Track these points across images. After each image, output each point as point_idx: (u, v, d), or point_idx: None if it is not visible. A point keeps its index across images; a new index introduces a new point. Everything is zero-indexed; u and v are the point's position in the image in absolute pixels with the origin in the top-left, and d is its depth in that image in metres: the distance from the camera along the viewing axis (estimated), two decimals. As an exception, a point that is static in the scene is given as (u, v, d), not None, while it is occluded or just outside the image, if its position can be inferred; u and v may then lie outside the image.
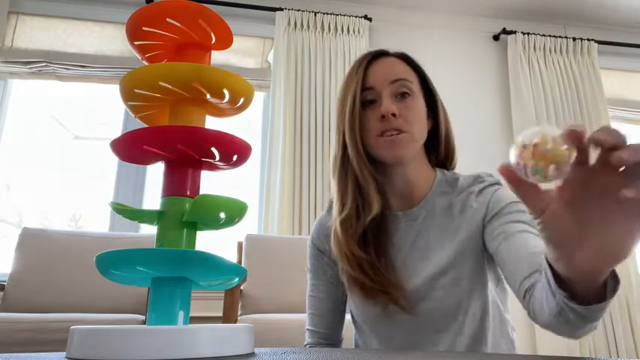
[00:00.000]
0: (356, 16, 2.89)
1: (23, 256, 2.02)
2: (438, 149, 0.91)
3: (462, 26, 3.16)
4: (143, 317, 1.72)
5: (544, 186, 0.41)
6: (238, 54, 2.85)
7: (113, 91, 2.77)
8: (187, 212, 0.52)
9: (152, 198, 2.62)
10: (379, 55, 0.88)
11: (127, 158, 0.57)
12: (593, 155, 0.38)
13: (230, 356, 0.46)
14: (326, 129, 2.65)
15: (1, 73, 2.62)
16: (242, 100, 0.58)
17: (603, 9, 3.14)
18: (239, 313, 1.94)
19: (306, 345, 0.92)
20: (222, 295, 1.99)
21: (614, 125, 0.41)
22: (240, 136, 0.55)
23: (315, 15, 2.84)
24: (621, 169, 0.37)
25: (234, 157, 0.56)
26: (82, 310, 1.86)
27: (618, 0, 3.06)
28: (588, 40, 3.14)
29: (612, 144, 0.36)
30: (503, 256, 0.73)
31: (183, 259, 0.49)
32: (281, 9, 2.81)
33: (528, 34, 3.09)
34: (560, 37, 3.12)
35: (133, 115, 0.60)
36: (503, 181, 0.43)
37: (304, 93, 2.69)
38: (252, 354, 0.50)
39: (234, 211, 0.55)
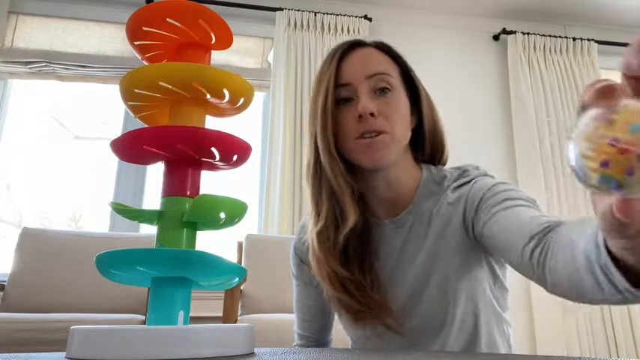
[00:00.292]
0: (356, 16, 2.88)
1: (23, 256, 2.02)
2: (425, 146, 0.82)
3: (462, 26, 3.15)
4: (143, 317, 1.72)
5: None
6: (238, 54, 2.85)
7: (113, 91, 2.77)
8: (187, 212, 0.52)
9: (152, 198, 2.62)
10: (354, 45, 0.79)
11: (127, 158, 0.57)
12: None
13: (230, 356, 0.46)
14: (326, 129, 2.65)
15: (1, 73, 2.62)
16: (242, 100, 0.58)
17: (603, 9, 3.14)
18: (239, 313, 1.95)
19: (294, 346, 0.91)
20: (222, 295, 1.99)
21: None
22: (240, 136, 0.55)
23: (315, 15, 2.84)
24: None
25: (234, 157, 0.56)
26: (82, 310, 1.86)
27: (618, 0, 3.06)
28: (588, 40, 3.14)
29: None
30: (496, 235, 0.65)
31: (183, 259, 0.49)
32: (281, 9, 2.81)
33: (528, 34, 3.09)
34: (560, 37, 3.12)
35: (133, 115, 0.60)
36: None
37: (304, 93, 2.69)
38: (252, 354, 0.50)
39: (234, 211, 0.55)
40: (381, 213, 0.80)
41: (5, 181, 2.62)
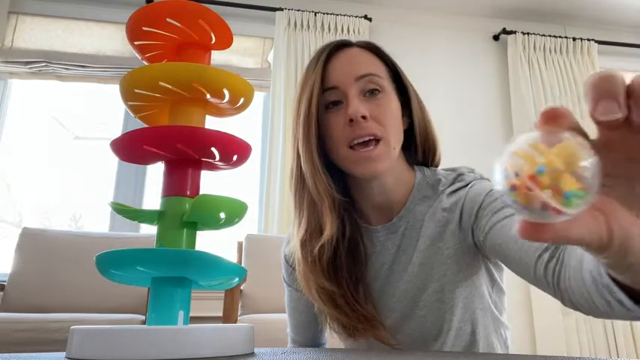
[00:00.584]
0: (356, 16, 2.88)
1: (23, 256, 2.02)
2: (417, 148, 0.79)
3: (462, 26, 3.15)
4: (143, 317, 1.72)
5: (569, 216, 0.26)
6: (238, 54, 2.85)
7: (113, 91, 2.77)
8: (187, 212, 0.52)
9: (152, 198, 2.62)
10: (340, 46, 0.75)
11: (127, 158, 0.57)
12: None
13: (230, 356, 0.46)
14: (326, 129, 2.65)
15: (1, 73, 2.62)
16: (242, 100, 0.58)
17: (603, 9, 3.13)
18: (239, 313, 1.95)
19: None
20: (222, 295, 1.99)
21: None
22: (240, 136, 0.55)
23: (315, 15, 2.84)
24: None
25: (234, 157, 0.56)
26: (82, 310, 1.86)
27: (618, 0, 3.06)
28: (588, 40, 3.14)
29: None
30: (501, 244, 0.62)
31: (183, 259, 0.49)
32: (281, 9, 2.81)
33: (528, 34, 3.09)
34: (560, 37, 3.12)
35: (133, 115, 0.60)
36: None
37: (304, 93, 2.69)
38: (252, 354, 0.50)
39: (234, 211, 0.55)
40: (373, 219, 0.78)
41: (5, 181, 2.62)
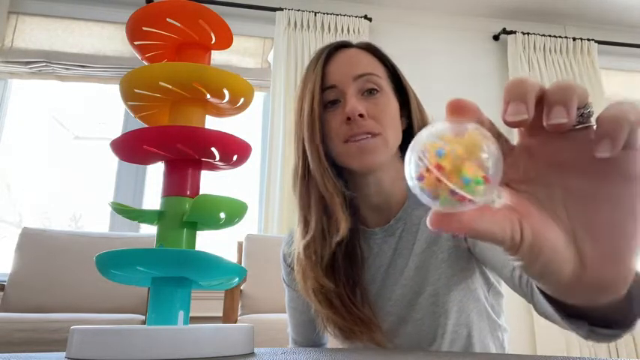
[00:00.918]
0: (356, 16, 2.88)
1: (23, 256, 2.02)
2: None
3: (462, 26, 3.15)
4: (143, 317, 1.72)
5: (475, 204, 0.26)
6: (238, 54, 2.85)
7: (113, 91, 2.77)
8: (187, 212, 0.52)
9: (152, 198, 2.62)
10: (340, 47, 0.77)
11: (127, 158, 0.57)
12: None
13: (230, 356, 0.46)
14: (326, 129, 2.65)
15: (1, 73, 2.62)
16: (242, 100, 0.58)
17: (603, 9, 3.14)
18: (239, 313, 1.95)
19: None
20: (222, 295, 1.99)
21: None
22: (240, 136, 0.55)
23: (315, 15, 2.84)
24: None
25: (234, 157, 0.56)
26: (82, 310, 1.86)
27: (618, 0, 3.06)
28: (588, 40, 3.14)
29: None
30: (483, 250, 0.64)
31: (183, 259, 0.49)
32: (281, 9, 2.81)
33: (528, 34, 3.09)
34: (560, 37, 3.12)
35: (133, 115, 0.60)
36: None
37: (304, 93, 2.69)
38: (252, 354, 0.50)
39: (234, 211, 0.55)
40: (371, 221, 0.78)
41: (5, 181, 2.62)
